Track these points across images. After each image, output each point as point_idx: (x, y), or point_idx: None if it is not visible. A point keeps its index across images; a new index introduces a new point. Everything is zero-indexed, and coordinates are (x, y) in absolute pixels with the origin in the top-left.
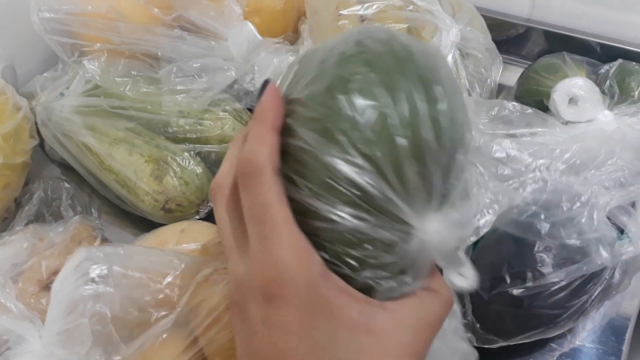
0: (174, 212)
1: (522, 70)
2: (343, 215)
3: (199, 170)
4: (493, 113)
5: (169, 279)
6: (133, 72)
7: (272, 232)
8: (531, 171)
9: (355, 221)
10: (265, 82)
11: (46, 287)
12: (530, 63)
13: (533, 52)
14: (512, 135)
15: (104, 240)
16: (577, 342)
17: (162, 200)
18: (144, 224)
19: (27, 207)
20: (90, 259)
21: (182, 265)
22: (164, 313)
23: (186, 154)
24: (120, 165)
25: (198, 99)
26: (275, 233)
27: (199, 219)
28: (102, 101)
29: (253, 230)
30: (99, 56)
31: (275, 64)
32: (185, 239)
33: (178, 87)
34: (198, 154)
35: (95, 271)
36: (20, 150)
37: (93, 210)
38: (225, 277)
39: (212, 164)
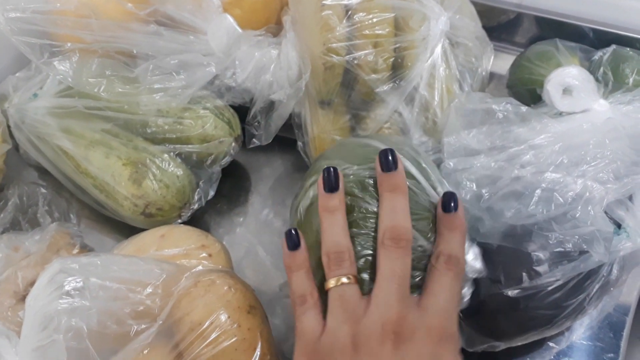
0: (155, 217)
1: (513, 57)
2: None
3: (179, 172)
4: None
5: (149, 289)
6: (107, 72)
7: None
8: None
9: None
10: None
11: (23, 298)
12: (523, 50)
13: (525, 38)
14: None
15: (84, 248)
16: (574, 339)
17: (141, 205)
18: (125, 229)
19: (1, 215)
20: (64, 271)
21: (164, 275)
22: (144, 326)
23: (166, 155)
24: (97, 169)
25: (177, 97)
26: None
27: (180, 223)
28: (76, 102)
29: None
30: (71, 56)
31: (257, 57)
32: (165, 244)
33: (155, 86)
34: (178, 154)
35: (70, 284)
36: None
37: (72, 215)
38: (208, 288)
39: (193, 164)
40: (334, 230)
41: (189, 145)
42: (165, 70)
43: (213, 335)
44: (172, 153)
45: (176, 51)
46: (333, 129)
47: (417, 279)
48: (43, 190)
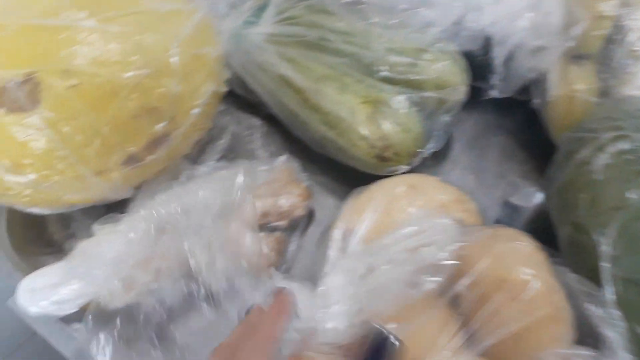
0: (388, 161)
1: None
2: None
3: (417, 117)
4: None
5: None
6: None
7: None
8: None
9: None
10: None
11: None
12: None
13: None
14: None
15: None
16: None
17: (379, 147)
18: (339, 170)
19: (221, 141)
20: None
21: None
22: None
23: (403, 97)
24: (331, 104)
25: (419, 35)
26: None
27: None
28: (306, 31)
29: None
30: None
31: (507, 7)
32: (419, 194)
33: (396, 21)
34: (411, 98)
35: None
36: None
37: (285, 153)
38: (513, 246)
39: (425, 111)
40: None
41: (424, 91)
42: (412, 5)
43: (526, 299)
44: (406, 95)
45: None
46: (585, 88)
47: None
48: (258, 122)
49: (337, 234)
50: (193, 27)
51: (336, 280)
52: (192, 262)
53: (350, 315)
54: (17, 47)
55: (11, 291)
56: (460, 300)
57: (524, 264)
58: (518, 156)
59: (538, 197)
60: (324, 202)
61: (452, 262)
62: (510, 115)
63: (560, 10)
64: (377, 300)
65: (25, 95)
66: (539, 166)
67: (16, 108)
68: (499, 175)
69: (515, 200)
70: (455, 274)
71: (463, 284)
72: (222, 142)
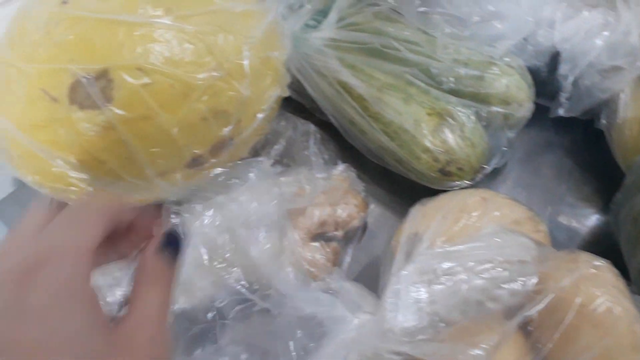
0: (451, 176)
1: None
2: None
3: (483, 132)
4: None
5: (522, 266)
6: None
7: None
8: None
9: None
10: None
11: (313, 237)
12: None
13: None
14: None
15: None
16: None
17: (443, 161)
18: (398, 184)
19: (276, 146)
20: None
21: (533, 250)
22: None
23: (468, 110)
24: (393, 114)
25: (485, 46)
26: None
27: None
28: (367, 37)
29: None
30: None
31: (585, 17)
32: (490, 208)
33: (473, 32)
34: (476, 112)
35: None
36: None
37: (338, 161)
38: (596, 270)
39: (490, 126)
40: None
41: (490, 105)
42: (484, 17)
43: (608, 327)
44: (472, 109)
45: None
46: None
47: None
48: (312, 128)
49: (404, 239)
50: (264, 30)
51: (409, 283)
52: (249, 272)
53: (424, 319)
54: (92, 42)
55: None
56: (532, 324)
57: (605, 290)
58: (574, 176)
59: (594, 220)
60: (377, 213)
61: (532, 282)
62: (567, 133)
63: (639, 30)
64: (452, 307)
65: (99, 91)
66: (599, 188)
67: (88, 104)
68: (552, 193)
69: (568, 220)
70: (530, 296)
71: (539, 307)
72: (278, 147)
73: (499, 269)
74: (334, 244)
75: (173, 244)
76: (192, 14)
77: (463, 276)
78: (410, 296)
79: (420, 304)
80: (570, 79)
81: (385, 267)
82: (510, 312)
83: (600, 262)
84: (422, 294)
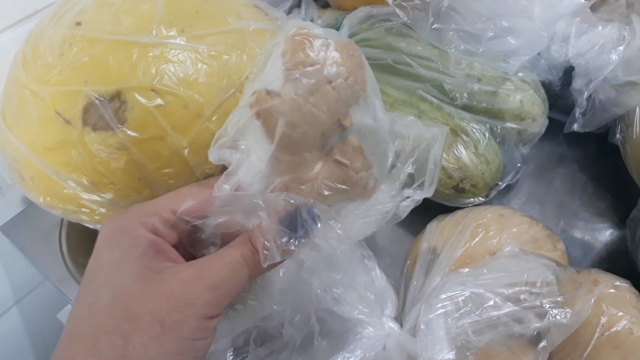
0: (465, 193)
1: None
2: None
3: (497, 148)
4: None
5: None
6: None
7: None
8: None
9: None
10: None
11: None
12: None
13: None
14: None
15: None
16: None
17: (457, 178)
18: None
19: None
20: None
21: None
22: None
23: (482, 127)
24: (406, 130)
25: (498, 62)
26: None
27: (478, 204)
28: (379, 53)
29: None
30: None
31: (599, 32)
32: (507, 225)
33: (494, 49)
34: (490, 128)
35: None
36: None
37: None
38: (617, 291)
39: (503, 142)
40: None
41: (504, 121)
42: (498, 33)
43: (629, 347)
44: (486, 125)
45: (497, 12)
46: None
47: None
48: None
49: (421, 254)
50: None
51: (436, 311)
52: (321, 297)
53: (454, 347)
54: (107, 64)
55: (63, 303)
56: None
57: (626, 311)
58: (588, 190)
59: (608, 235)
60: (390, 230)
61: (557, 304)
62: (580, 147)
63: None
64: (481, 334)
65: (112, 113)
66: (613, 203)
67: (101, 126)
68: (566, 207)
69: (582, 235)
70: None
71: (565, 333)
72: None
73: (525, 292)
74: (351, 141)
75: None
76: (206, 34)
77: (491, 303)
78: (441, 326)
79: (452, 334)
80: (585, 94)
81: (404, 284)
82: (535, 337)
83: (620, 283)
84: (454, 324)
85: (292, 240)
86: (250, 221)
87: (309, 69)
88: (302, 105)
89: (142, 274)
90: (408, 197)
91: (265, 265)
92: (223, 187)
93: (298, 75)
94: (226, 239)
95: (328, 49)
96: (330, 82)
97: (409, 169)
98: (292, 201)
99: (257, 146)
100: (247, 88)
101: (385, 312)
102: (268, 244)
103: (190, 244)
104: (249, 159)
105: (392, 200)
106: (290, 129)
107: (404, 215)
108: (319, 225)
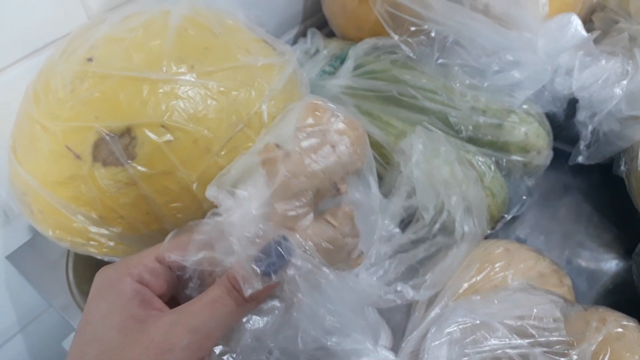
0: None
1: None
2: None
3: (502, 180)
4: None
5: (551, 323)
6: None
7: None
8: None
9: None
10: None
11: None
12: None
13: None
14: None
15: None
16: None
17: None
18: None
19: None
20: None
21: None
22: None
23: (488, 159)
24: None
25: (502, 94)
26: None
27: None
28: (384, 85)
29: None
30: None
31: (602, 66)
32: (514, 260)
33: (498, 83)
34: (496, 161)
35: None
36: None
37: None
38: (625, 330)
39: (512, 179)
40: None
41: (510, 153)
42: (503, 67)
43: None
44: (492, 158)
45: (501, 46)
46: None
47: None
48: None
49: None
50: (284, 82)
51: (443, 337)
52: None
53: None
54: (117, 100)
55: (68, 331)
56: None
57: (634, 352)
58: (593, 221)
59: (614, 266)
60: None
61: (564, 341)
62: (585, 176)
63: None
64: None
65: (122, 149)
66: (618, 234)
67: (111, 161)
68: (571, 238)
69: (587, 265)
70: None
71: None
72: None
73: (534, 327)
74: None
75: (273, 259)
76: (215, 70)
77: (499, 334)
78: (444, 354)
79: None
80: (590, 127)
81: (408, 317)
82: None
83: (628, 322)
84: (460, 352)
85: (270, 264)
86: (229, 259)
87: (316, 129)
88: (304, 159)
89: (126, 324)
90: (399, 290)
91: (247, 295)
92: (204, 223)
93: (305, 134)
94: (210, 283)
95: (336, 119)
96: (333, 146)
97: None
98: (266, 230)
99: (256, 192)
100: (259, 140)
101: (380, 342)
102: (246, 273)
103: (176, 291)
104: (242, 207)
105: (380, 287)
106: (289, 177)
107: (384, 307)
108: (296, 250)
